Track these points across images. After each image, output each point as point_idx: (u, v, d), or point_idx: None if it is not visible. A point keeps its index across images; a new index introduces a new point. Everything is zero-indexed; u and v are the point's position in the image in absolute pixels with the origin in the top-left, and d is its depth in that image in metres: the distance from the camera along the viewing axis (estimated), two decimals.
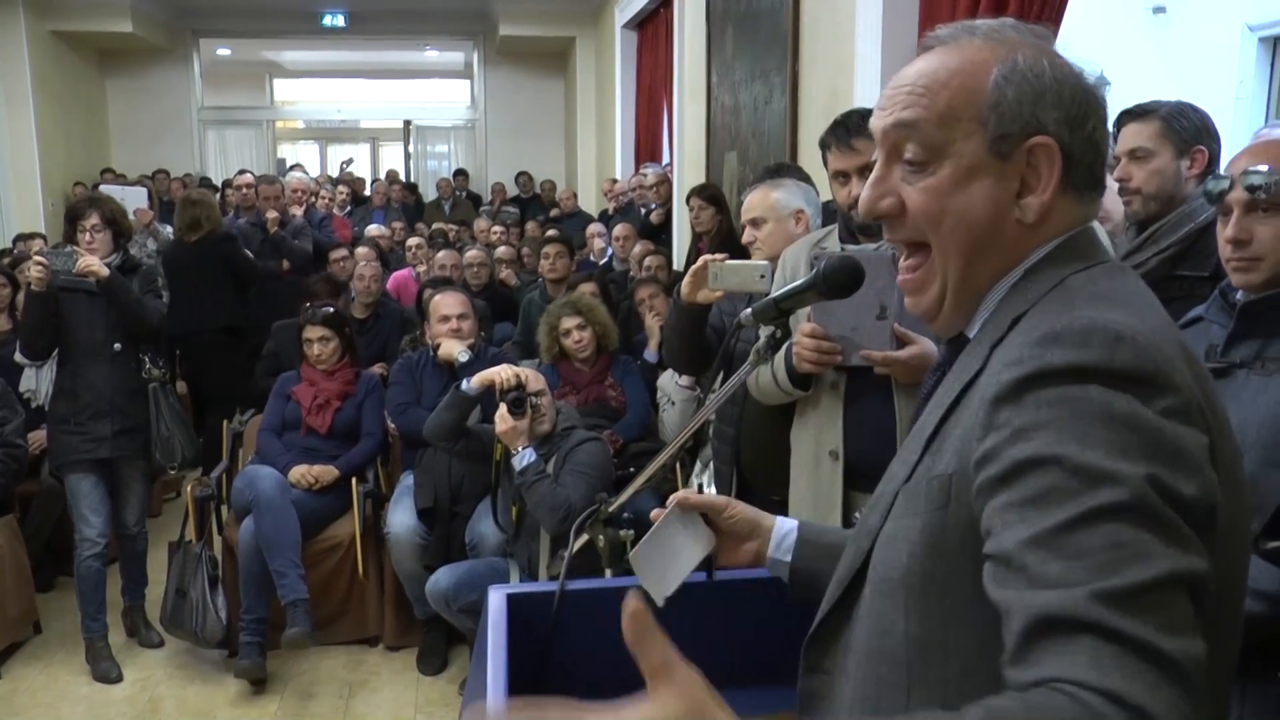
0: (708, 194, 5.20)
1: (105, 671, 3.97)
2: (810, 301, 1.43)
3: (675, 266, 5.89)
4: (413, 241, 7.36)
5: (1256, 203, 1.73)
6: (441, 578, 3.66)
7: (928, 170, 1.04)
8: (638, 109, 9.20)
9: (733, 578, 1.73)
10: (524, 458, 3.39)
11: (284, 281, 6.45)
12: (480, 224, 8.82)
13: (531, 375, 3.60)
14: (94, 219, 3.97)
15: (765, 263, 2.32)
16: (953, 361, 1.12)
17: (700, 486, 1.40)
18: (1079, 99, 1.03)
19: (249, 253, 6.20)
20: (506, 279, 6.60)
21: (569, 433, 3.62)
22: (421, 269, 6.77)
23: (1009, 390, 0.89)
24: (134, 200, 8.50)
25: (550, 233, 7.15)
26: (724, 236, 4.96)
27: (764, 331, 1.43)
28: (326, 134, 18.90)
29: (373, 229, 8.25)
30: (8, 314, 5.28)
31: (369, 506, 4.24)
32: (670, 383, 4.33)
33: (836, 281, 1.33)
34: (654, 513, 1.49)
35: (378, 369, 4.93)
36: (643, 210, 7.28)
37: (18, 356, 4.60)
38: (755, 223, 2.91)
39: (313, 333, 4.38)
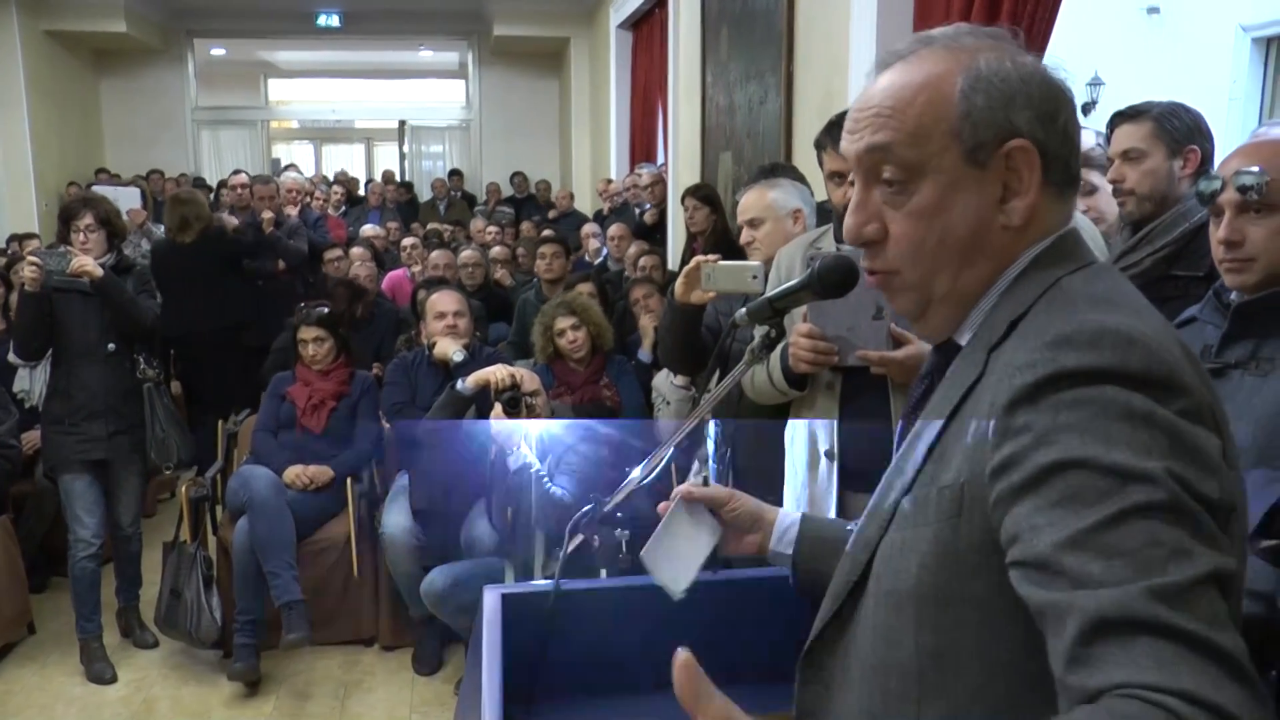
0: (702, 194, 5.21)
1: (100, 672, 3.96)
2: (805, 301, 1.43)
3: (670, 266, 5.90)
4: (407, 241, 7.36)
5: (1248, 204, 1.73)
6: (436, 578, 3.66)
7: (909, 190, 1.03)
8: (632, 109, 9.21)
9: (732, 577, 1.74)
10: (519, 458, 3.39)
11: (279, 281, 6.44)
12: (476, 224, 8.81)
13: (526, 375, 3.60)
14: (88, 219, 3.97)
15: (758, 263, 2.32)
16: (942, 368, 1.11)
17: (706, 479, 1.41)
18: (1047, 94, 1.02)
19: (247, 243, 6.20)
20: (502, 279, 6.60)
21: None
22: (416, 269, 6.76)
23: (1023, 394, 0.88)
24: (127, 200, 8.49)
25: (546, 233, 7.15)
26: (718, 237, 4.96)
27: (759, 331, 1.43)
28: (321, 134, 18.85)
29: (367, 229, 8.24)
30: (1, 314, 5.27)
31: (364, 506, 4.24)
32: (665, 383, 4.33)
33: (831, 281, 1.33)
34: (661, 505, 1.49)
35: (373, 369, 4.93)
36: (637, 210, 7.28)
37: (11, 357, 4.58)
38: (753, 223, 2.91)
39: (307, 333, 4.38)
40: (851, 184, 1.10)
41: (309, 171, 13.26)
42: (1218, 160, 2.31)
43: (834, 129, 2.49)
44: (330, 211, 9.19)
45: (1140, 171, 2.54)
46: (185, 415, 4.79)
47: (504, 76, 13.44)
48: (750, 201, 2.94)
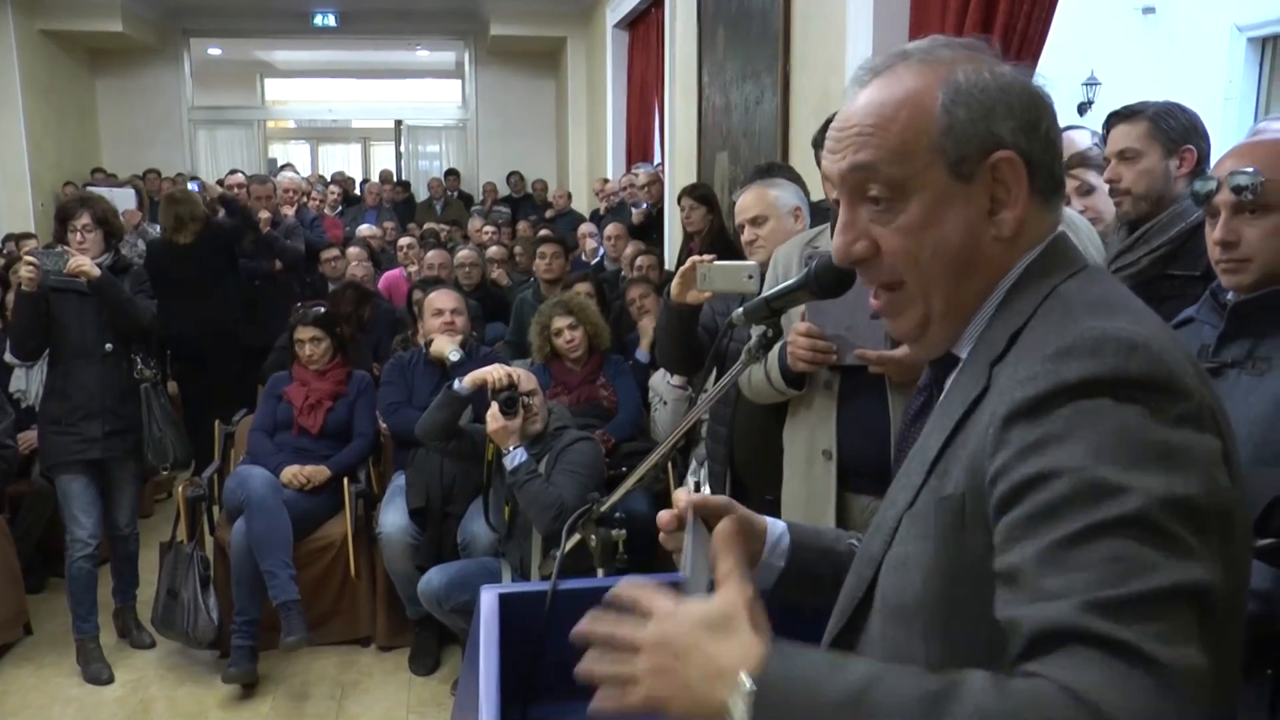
0: (699, 194, 5.21)
1: (96, 673, 3.96)
2: (802, 301, 1.43)
3: (667, 266, 5.90)
4: (404, 241, 7.35)
5: (1243, 204, 1.73)
6: (433, 578, 3.66)
7: (896, 208, 1.02)
8: (629, 109, 9.21)
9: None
10: (515, 457, 3.39)
11: (276, 281, 6.44)
12: (474, 223, 8.81)
13: (523, 375, 3.60)
14: (85, 219, 3.96)
15: (754, 263, 2.32)
16: (941, 381, 1.11)
17: (696, 485, 1.40)
18: (1028, 103, 1.02)
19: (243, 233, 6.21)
20: (498, 279, 6.59)
21: (561, 432, 3.62)
22: (413, 269, 6.76)
23: (1024, 407, 0.88)
24: (122, 201, 8.45)
25: (542, 233, 7.15)
26: (715, 236, 4.97)
27: (755, 331, 1.43)
28: (318, 134, 18.86)
29: (364, 229, 8.24)
30: None
31: (361, 506, 4.24)
32: (662, 382, 4.34)
33: (829, 280, 1.33)
34: (662, 516, 1.35)
35: (374, 369, 4.93)
36: (633, 210, 7.29)
37: (7, 356, 4.58)
38: (756, 221, 2.91)
39: (304, 333, 4.37)
40: None
41: (305, 171, 13.27)
42: (1214, 160, 2.32)
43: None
44: (327, 211, 9.19)
45: (1136, 171, 2.55)
46: (181, 415, 4.78)
47: (500, 76, 13.43)
48: (751, 200, 2.94)
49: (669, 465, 4.02)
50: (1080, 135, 3.51)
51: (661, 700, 0.90)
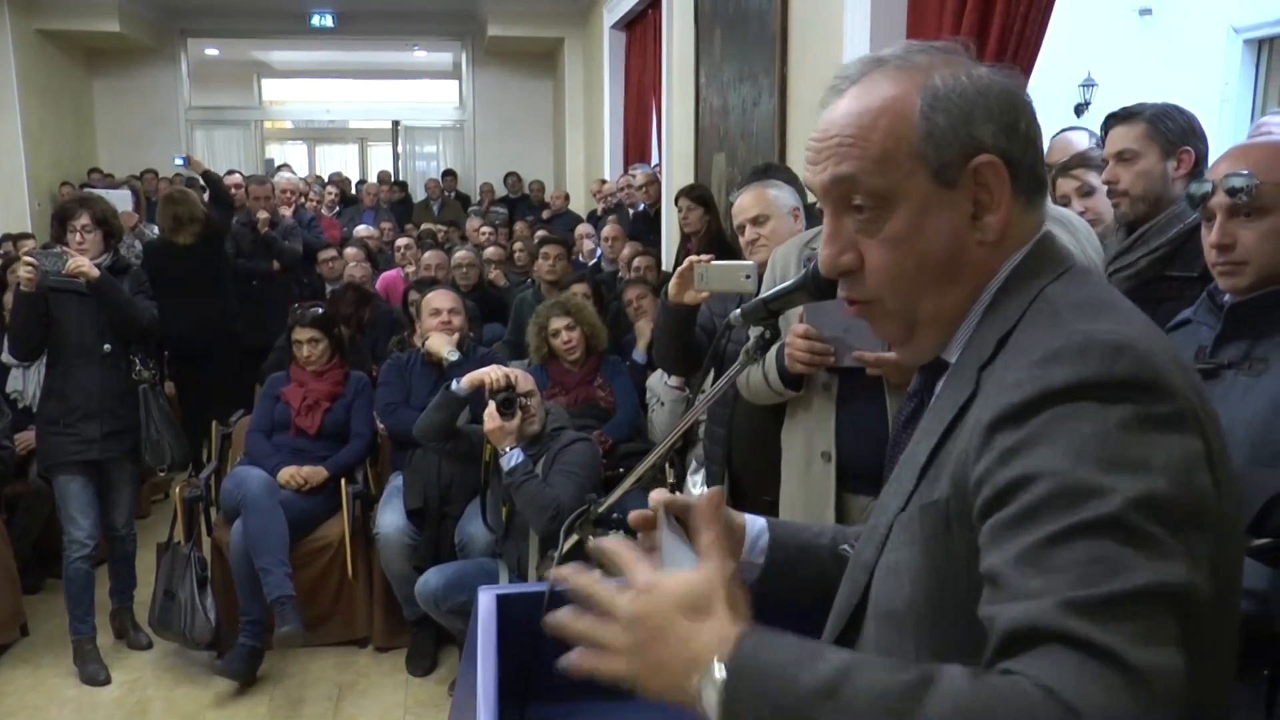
0: (696, 195, 5.22)
1: (93, 674, 3.95)
2: (800, 302, 1.43)
3: (664, 267, 5.90)
4: (401, 242, 7.35)
5: (1238, 207, 1.73)
6: (431, 578, 3.66)
7: (882, 217, 1.02)
8: (626, 110, 9.21)
9: None
10: (512, 458, 3.39)
11: (274, 282, 6.43)
12: (472, 224, 8.81)
13: (521, 376, 3.60)
14: (84, 219, 3.96)
15: (751, 263, 2.33)
16: (931, 386, 1.11)
17: (672, 487, 1.40)
18: (1006, 104, 1.01)
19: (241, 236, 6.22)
20: (496, 279, 6.59)
21: (558, 433, 3.62)
22: (410, 269, 6.76)
23: (1009, 413, 0.88)
24: (119, 202, 8.43)
25: (540, 233, 7.15)
26: (712, 237, 4.97)
27: (753, 332, 1.43)
28: (315, 134, 18.86)
29: (361, 229, 8.24)
30: None
31: (358, 507, 4.23)
32: (659, 383, 4.34)
33: (826, 281, 1.33)
34: (632, 515, 1.36)
35: (373, 370, 4.93)
36: (630, 211, 7.29)
37: (5, 357, 4.58)
38: (758, 220, 2.91)
39: (301, 334, 4.37)
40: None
41: (302, 172, 13.26)
42: (1211, 162, 2.32)
43: None
44: (324, 212, 9.19)
45: (1134, 173, 2.55)
46: (179, 416, 4.78)
47: (498, 77, 13.44)
48: (750, 200, 2.95)
49: (666, 466, 4.02)
50: (1078, 136, 3.52)
51: (635, 677, 0.90)
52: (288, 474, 4.13)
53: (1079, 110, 8.91)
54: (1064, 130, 3.79)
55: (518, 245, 7.39)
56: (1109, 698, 0.71)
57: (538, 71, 13.17)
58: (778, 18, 4.78)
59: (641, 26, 8.46)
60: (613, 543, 0.99)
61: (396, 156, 14.95)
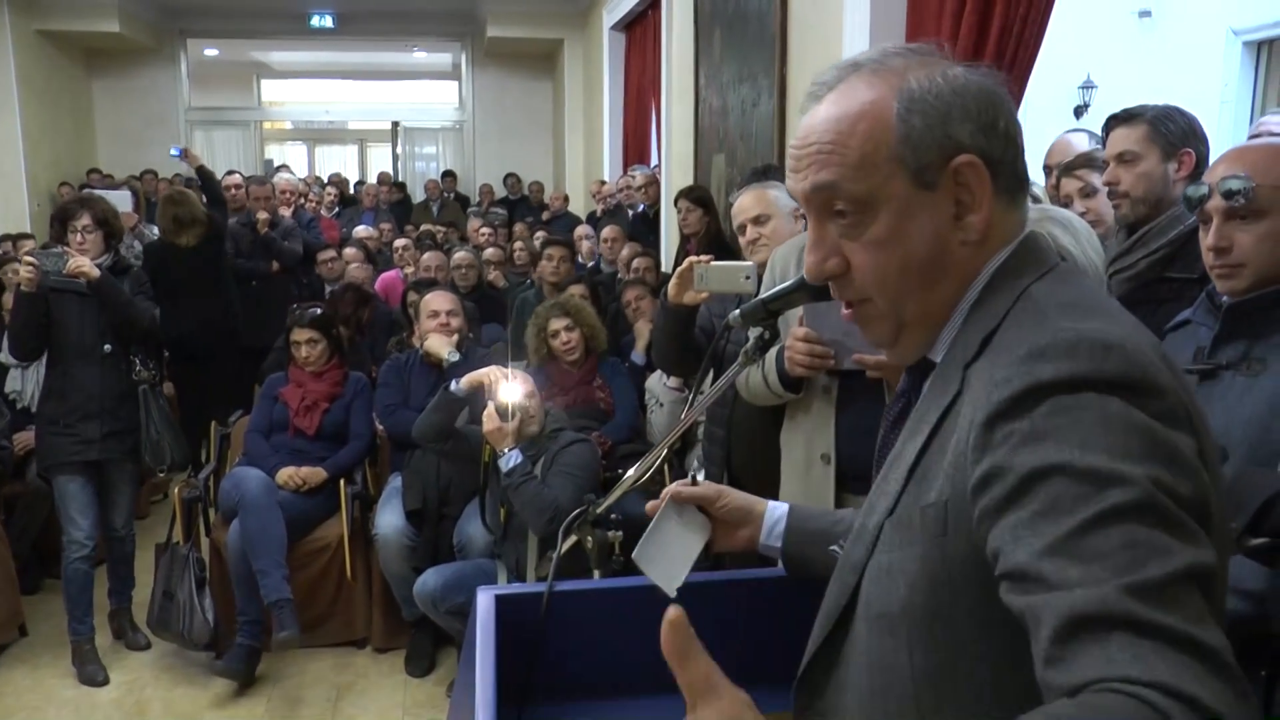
0: (695, 196, 5.21)
1: (92, 674, 3.95)
2: (799, 303, 1.43)
3: (663, 268, 5.90)
4: (400, 243, 7.36)
5: (1235, 210, 1.73)
6: (429, 579, 3.66)
7: (864, 222, 1.02)
8: (625, 111, 9.21)
9: (730, 578, 1.74)
10: (510, 459, 3.38)
11: (274, 282, 6.43)
12: (472, 224, 8.81)
13: (520, 376, 3.60)
14: (85, 219, 3.96)
15: (750, 264, 2.33)
16: (918, 386, 1.11)
17: (694, 478, 1.41)
18: (984, 102, 1.01)
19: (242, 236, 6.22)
20: (495, 280, 6.59)
21: (557, 434, 3.62)
22: (409, 270, 6.76)
23: (1002, 409, 0.88)
24: (118, 203, 8.42)
25: (544, 235, 7.15)
26: (712, 238, 4.97)
27: (753, 333, 1.43)
28: (314, 135, 18.86)
29: (360, 230, 8.24)
30: None
31: (357, 508, 4.23)
32: (658, 384, 4.34)
33: None
34: (649, 505, 1.51)
35: (372, 371, 4.93)
36: (629, 212, 7.29)
37: (4, 357, 4.57)
38: (759, 220, 2.92)
39: (300, 335, 4.37)
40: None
41: (302, 173, 13.26)
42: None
43: None
44: (323, 213, 9.18)
45: (1135, 174, 2.55)
46: (178, 416, 4.78)
47: (497, 78, 13.43)
48: (751, 201, 2.95)
49: (665, 467, 4.02)
50: (1078, 138, 3.51)
51: None
52: (286, 474, 4.13)
53: (1078, 112, 8.92)
54: (1065, 132, 3.79)
55: (517, 246, 7.39)
56: (1202, 684, 0.70)
57: (537, 72, 13.17)
58: (777, 18, 4.78)
59: (641, 27, 8.46)
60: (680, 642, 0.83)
61: (396, 157, 14.94)
